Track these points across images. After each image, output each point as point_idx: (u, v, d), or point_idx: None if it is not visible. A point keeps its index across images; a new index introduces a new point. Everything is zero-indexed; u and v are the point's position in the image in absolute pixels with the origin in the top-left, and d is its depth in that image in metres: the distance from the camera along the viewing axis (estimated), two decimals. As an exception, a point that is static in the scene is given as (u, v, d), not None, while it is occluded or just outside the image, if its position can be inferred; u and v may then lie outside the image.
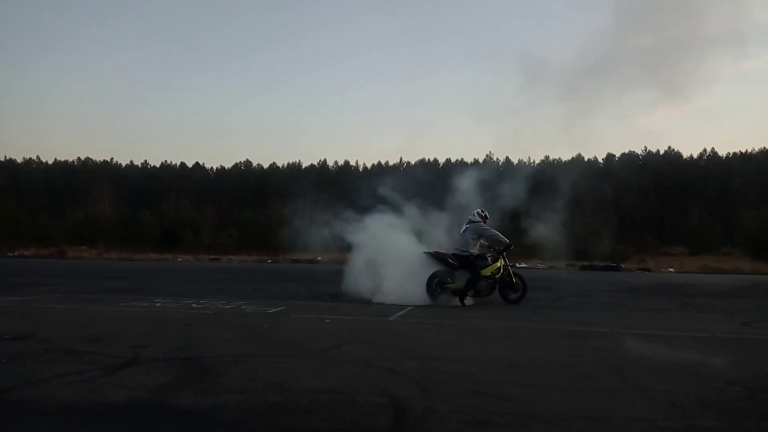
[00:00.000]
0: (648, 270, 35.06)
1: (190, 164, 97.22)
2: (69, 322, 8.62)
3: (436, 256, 11.65)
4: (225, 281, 18.35)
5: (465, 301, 11.36)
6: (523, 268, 16.58)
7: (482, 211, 12.08)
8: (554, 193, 14.93)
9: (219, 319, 8.98)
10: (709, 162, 78.90)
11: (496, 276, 11.61)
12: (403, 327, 8.48)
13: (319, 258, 41.07)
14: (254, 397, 4.30)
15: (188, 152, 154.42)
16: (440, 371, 5.34)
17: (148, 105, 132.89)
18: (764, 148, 76.48)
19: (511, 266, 11.99)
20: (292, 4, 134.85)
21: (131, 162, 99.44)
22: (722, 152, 79.46)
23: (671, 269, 35.45)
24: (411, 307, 10.66)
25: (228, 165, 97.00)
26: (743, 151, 78.13)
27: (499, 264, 11.67)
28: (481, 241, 11.81)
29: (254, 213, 61.43)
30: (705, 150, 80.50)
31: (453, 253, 11.66)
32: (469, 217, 12.05)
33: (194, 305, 10.70)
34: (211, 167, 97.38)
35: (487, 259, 11.71)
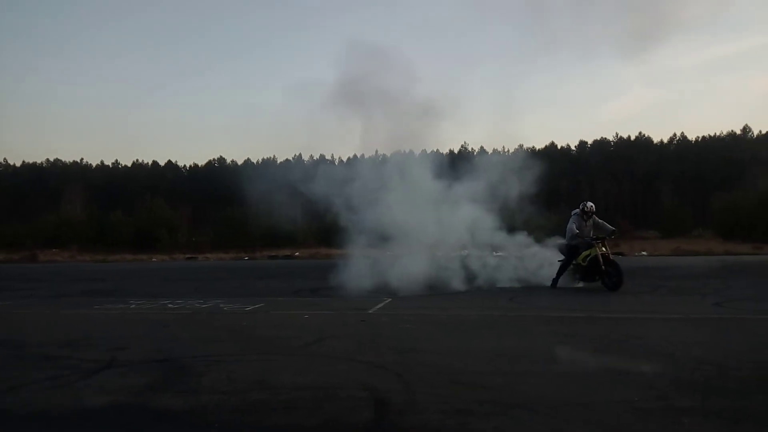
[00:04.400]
0: (622, 254, 35.57)
1: (162, 162, 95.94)
2: (43, 326, 8.46)
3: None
4: (202, 280, 18.16)
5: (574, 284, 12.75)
6: (500, 256, 16.73)
7: (584, 205, 12.85)
8: (531, 181, 15.07)
9: (197, 318, 8.89)
10: (680, 146, 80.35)
11: (583, 263, 12.29)
12: (383, 320, 8.50)
13: (297, 254, 40.95)
14: (235, 396, 4.27)
15: (160, 150, 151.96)
16: (420, 363, 5.37)
17: (118, 104, 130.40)
18: (732, 131, 78.28)
19: (603, 254, 12.20)
20: (275, 4, 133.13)
21: (102, 162, 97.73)
22: (692, 136, 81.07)
23: (644, 252, 36.05)
24: (390, 299, 10.69)
25: (201, 162, 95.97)
26: (712, 134, 79.78)
27: (589, 252, 12.20)
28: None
29: (231, 210, 60.88)
30: (675, 135, 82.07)
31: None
32: None
33: (171, 305, 10.58)
34: (184, 165, 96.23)
35: (578, 248, 12.48)
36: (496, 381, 4.64)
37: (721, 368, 4.90)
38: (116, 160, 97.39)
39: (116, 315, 9.49)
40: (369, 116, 15.78)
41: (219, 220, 59.67)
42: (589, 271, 12.21)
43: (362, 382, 4.63)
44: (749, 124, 79.48)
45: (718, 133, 79.72)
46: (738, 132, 78.41)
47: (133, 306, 10.65)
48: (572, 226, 12.69)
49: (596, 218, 12.77)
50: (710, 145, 77.39)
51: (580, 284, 12.59)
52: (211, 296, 12.10)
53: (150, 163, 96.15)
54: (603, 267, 11.87)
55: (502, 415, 3.74)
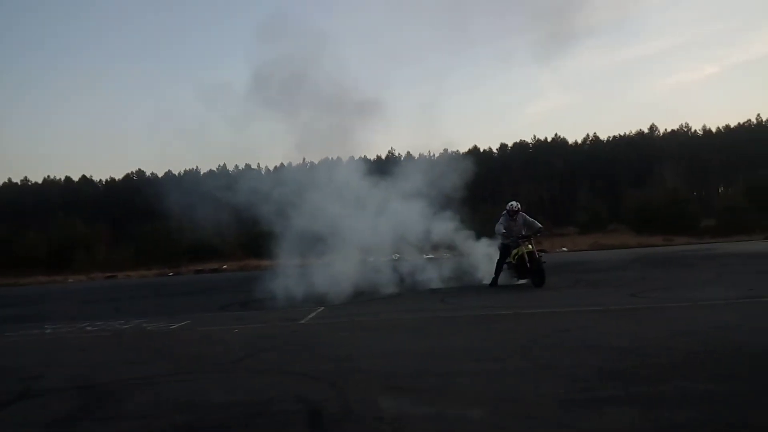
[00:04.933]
0: (544, 251, 36.91)
1: (76, 178, 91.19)
2: (-55, 360, 7.80)
3: None
4: (123, 299, 17.32)
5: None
6: (430, 258, 16.99)
7: (509, 205, 13.20)
8: (458, 184, 15.37)
9: (118, 340, 8.46)
10: (592, 146, 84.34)
11: (513, 261, 12.71)
12: (316, 329, 8.41)
13: (225, 267, 39.92)
14: (161, 420, 4.08)
15: (73, 165, 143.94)
16: (354, 370, 5.34)
17: (23, 117, 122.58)
18: (641, 130, 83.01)
19: (530, 252, 12.42)
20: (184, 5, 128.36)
21: (9, 180, 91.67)
22: (604, 136, 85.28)
23: (564, 249, 37.55)
24: (322, 308, 10.59)
25: (118, 176, 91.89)
26: (623, 134, 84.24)
27: (517, 250, 12.51)
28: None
29: (153, 225, 58.58)
30: (588, 135, 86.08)
31: None
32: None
33: (89, 328, 10.02)
34: (100, 179, 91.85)
35: (510, 247, 12.84)
36: (432, 382, 4.68)
37: (640, 356, 5.16)
38: (25, 177, 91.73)
39: (30, 342, 8.90)
40: (292, 112, 15.48)
41: (140, 236, 57.30)
42: (519, 268, 12.59)
43: (296, 394, 4.55)
44: (656, 123, 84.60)
45: (627, 133, 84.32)
46: (646, 131, 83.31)
47: (48, 331, 10.01)
48: (499, 226, 13.05)
49: (526, 216, 13.16)
50: (621, 144, 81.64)
51: (522, 281, 12.81)
52: (133, 316, 11.54)
53: (63, 179, 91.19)
54: (528, 265, 12.27)
55: (437, 417, 3.77)
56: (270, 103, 15.32)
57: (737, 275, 12.77)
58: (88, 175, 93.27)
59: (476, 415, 3.76)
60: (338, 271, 13.40)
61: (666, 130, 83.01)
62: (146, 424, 4.00)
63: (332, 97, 15.28)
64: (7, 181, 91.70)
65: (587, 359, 5.16)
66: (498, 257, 13.26)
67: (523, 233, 12.74)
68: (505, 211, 13.21)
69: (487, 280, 13.35)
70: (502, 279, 13.12)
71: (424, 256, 16.79)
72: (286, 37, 15.39)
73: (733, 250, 23.57)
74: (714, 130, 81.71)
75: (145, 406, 4.47)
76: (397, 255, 16.67)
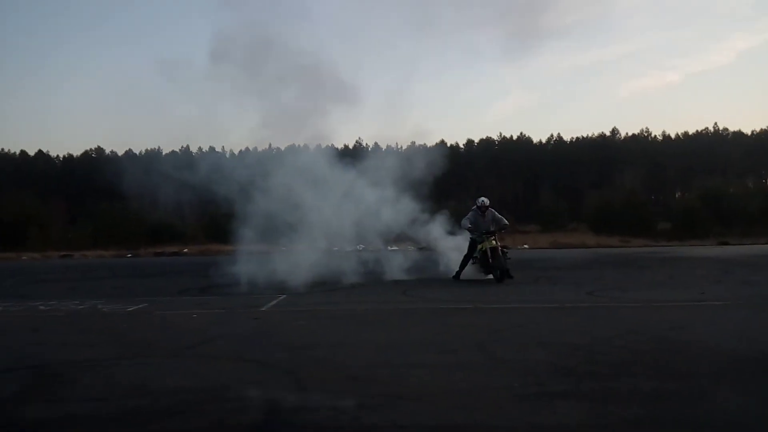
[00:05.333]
0: (507, 248, 37.41)
1: (31, 152, 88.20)
2: None
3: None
4: (78, 280, 16.89)
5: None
6: (394, 250, 17.07)
7: (478, 201, 13.36)
8: (424, 177, 15.43)
9: (71, 321, 8.26)
10: (556, 146, 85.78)
11: (478, 257, 12.91)
12: (275, 317, 8.36)
13: (186, 250, 39.27)
14: (112, 403, 4.01)
15: (29, 139, 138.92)
16: (313, 359, 5.33)
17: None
18: (603, 133, 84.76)
19: (493, 248, 12.55)
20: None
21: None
22: (567, 137, 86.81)
23: (526, 246, 38.20)
24: (284, 296, 10.53)
25: (77, 153, 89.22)
26: (585, 135, 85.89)
27: (482, 246, 12.66)
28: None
29: (111, 204, 57.11)
30: (552, 135, 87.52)
31: None
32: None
33: (42, 307, 9.74)
34: (57, 155, 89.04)
35: (476, 242, 12.95)
36: (387, 374, 4.71)
37: (592, 353, 5.29)
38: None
39: (-24, 320, 8.60)
40: (257, 85, 15.11)
41: (98, 215, 55.83)
42: (483, 263, 12.76)
43: (252, 381, 4.52)
44: (617, 127, 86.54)
45: (590, 135, 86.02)
46: (608, 134, 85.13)
47: (-4, 309, 9.70)
48: (464, 221, 13.25)
49: (494, 212, 13.32)
50: (584, 145, 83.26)
51: (489, 276, 12.83)
52: (88, 297, 11.26)
53: (18, 153, 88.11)
54: (490, 260, 12.43)
55: (391, 408, 3.80)
56: (233, 74, 14.99)
57: (690, 278, 13.20)
58: (44, 150, 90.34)
59: (428, 407, 3.80)
60: (301, 260, 13.33)
61: (627, 134, 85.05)
62: (97, 407, 3.92)
63: (300, 69, 14.94)
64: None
65: (541, 355, 5.27)
66: (467, 251, 13.40)
67: (491, 229, 12.89)
68: (474, 207, 13.35)
69: (452, 274, 13.49)
70: (469, 273, 13.25)
71: (389, 248, 16.83)
72: (249, 4, 14.98)
73: (688, 253, 24.36)
74: (673, 136, 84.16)
75: (96, 389, 4.38)
76: (362, 246, 16.69)
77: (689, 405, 3.79)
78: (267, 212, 13.38)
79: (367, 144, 66.35)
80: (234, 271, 12.82)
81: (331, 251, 14.50)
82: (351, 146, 66.33)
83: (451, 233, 15.14)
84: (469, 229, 13.06)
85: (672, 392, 4.07)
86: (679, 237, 40.99)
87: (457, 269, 13.32)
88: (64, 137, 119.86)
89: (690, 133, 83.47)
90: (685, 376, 4.49)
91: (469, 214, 13.36)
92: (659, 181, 77.50)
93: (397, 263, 14.42)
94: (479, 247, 12.82)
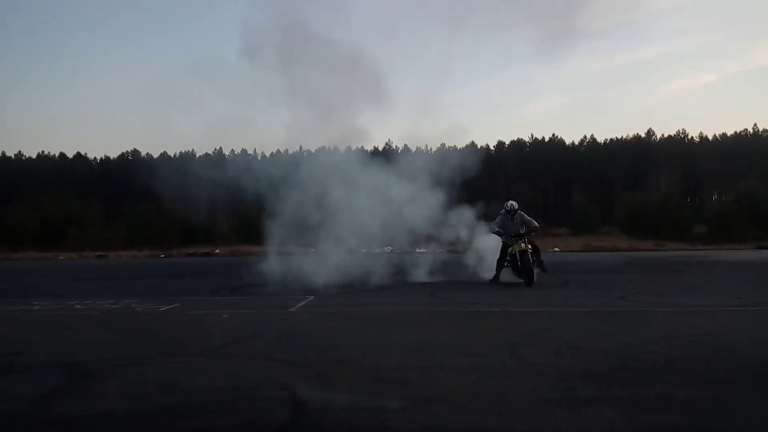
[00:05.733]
0: (534, 246, 36.88)
1: (70, 155, 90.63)
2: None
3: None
4: (113, 279, 17.29)
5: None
6: (422, 253, 17.04)
7: (506, 204, 13.27)
8: (451, 180, 15.37)
9: (106, 320, 8.46)
10: (589, 148, 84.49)
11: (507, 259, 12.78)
12: (304, 318, 8.42)
13: (218, 251, 39.82)
14: (145, 401, 4.10)
15: (68, 142, 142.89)
16: (340, 360, 5.36)
17: (20, 91, 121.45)
18: (638, 134, 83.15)
19: (522, 251, 12.42)
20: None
21: (3, 153, 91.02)
22: (601, 139, 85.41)
23: (556, 249, 37.71)
24: (312, 297, 10.60)
25: (113, 155, 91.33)
26: (620, 137, 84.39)
27: (512, 249, 12.56)
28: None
29: (146, 206, 58.35)
30: (585, 137, 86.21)
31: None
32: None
33: (78, 306, 10.00)
34: (95, 157, 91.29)
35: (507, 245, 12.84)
36: (415, 375, 4.71)
37: (624, 358, 5.20)
38: (19, 151, 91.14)
39: (16, 317, 8.88)
40: (290, 77, 15.12)
41: (134, 216, 57.09)
42: (514, 267, 12.62)
43: (280, 381, 4.56)
44: (653, 128, 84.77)
45: (624, 136, 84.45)
46: (643, 135, 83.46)
47: (36, 307, 9.99)
48: (492, 225, 13.19)
49: (523, 215, 13.16)
50: (618, 147, 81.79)
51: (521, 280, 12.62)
52: (122, 296, 11.53)
53: (57, 155, 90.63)
54: (519, 264, 12.31)
55: (419, 409, 3.80)
56: (265, 73, 15.05)
57: (726, 283, 12.85)
58: (83, 152, 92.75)
59: (456, 410, 3.78)
60: (330, 261, 13.41)
61: (663, 135, 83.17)
62: (129, 405, 4.01)
63: (332, 68, 14.94)
64: (0, 154, 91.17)
65: (571, 359, 5.20)
66: (499, 255, 13.26)
67: (521, 232, 12.75)
68: (503, 210, 13.25)
69: (484, 276, 13.40)
70: (505, 277, 13.10)
71: (417, 250, 16.81)
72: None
73: (724, 258, 23.71)
74: (711, 137, 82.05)
75: (129, 387, 4.48)
76: (390, 247, 16.68)
77: (723, 414, 3.70)
78: (297, 214, 13.50)
79: (396, 146, 66.42)
80: (263, 272, 12.95)
81: (359, 253, 14.54)
82: (381, 148, 66.49)
83: (482, 235, 15.01)
84: (497, 233, 12.97)
85: (706, 400, 3.97)
86: (715, 241, 39.93)
87: (495, 273, 13.18)
88: (101, 140, 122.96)
89: (728, 134, 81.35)
90: (720, 384, 4.38)
91: (498, 218, 13.27)
92: (695, 183, 75.70)
93: (424, 265, 14.38)
94: (509, 250, 12.71)
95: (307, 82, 15.13)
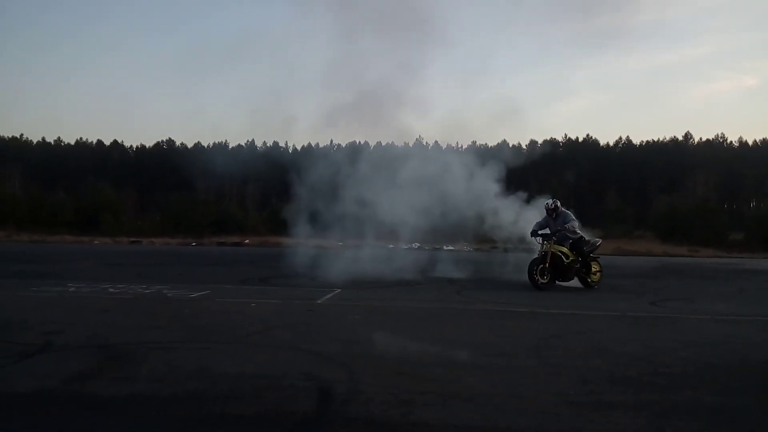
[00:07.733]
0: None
1: (107, 142, 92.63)
2: (-28, 309, 8.07)
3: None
4: (146, 265, 17.68)
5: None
6: (450, 250, 17.00)
7: (546, 203, 12.74)
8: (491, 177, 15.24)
9: (138, 304, 8.67)
10: (624, 149, 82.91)
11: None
12: (330, 310, 8.49)
13: (247, 241, 40.33)
14: (174, 385, 4.19)
15: (106, 129, 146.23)
16: (366, 353, 5.39)
17: (61, 78, 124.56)
18: (675, 137, 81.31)
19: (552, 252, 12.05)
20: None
21: (43, 139, 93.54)
22: (636, 140, 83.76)
23: (588, 252, 37.15)
24: (339, 290, 10.68)
25: (149, 144, 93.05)
26: (656, 139, 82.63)
27: (540, 248, 12.21)
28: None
29: (179, 194, 59.39)
30: (621, 138, 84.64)
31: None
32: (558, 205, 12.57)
33: (111, 290, 10.26)
34: (131, 146, 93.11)
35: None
36: (439, 372, 4.71)
37: (653, 364, 5.11)
38: (59, 138, 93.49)
39: (53, 298, 9.15)
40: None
41: (166, 204, 58.16)
42: (540, 263, 12.04)
43: (306, 371, 4.61)
44: (690, 131, 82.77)
45: (661, 139, 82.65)
46: (680, 138, 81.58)
47: (71, 289, 10.28)
48: (535, 225, 12.72)
49: (568, 214, 12.62)
50: (653, 149, 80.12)
51: (564, 284, 12.32)
52: (154, 282, 11.79)
53: (95, 142, 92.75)
54: (546, 264, 12.06)
55: (442, 406, 3.80)
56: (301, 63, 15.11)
57: (762, 292, 12.53)
58: (119, 140, 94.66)
59: (478, 408, 3.77)
60: (357, 256, 13.49)
61: (701, 138, 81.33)
62: (159, 388, 4.10)
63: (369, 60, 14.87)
64: (41, 140, 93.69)
65: (599, 363, 5.13)
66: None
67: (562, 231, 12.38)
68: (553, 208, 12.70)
69: (515, 276, 13.26)
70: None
71: (444, 247, 16.77)
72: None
73: (760, 266, 23.06)
74: (750, 142, 79.77)
75: (158, 371, 4.58)
76: (417, 244, 16.69)
77: (753, 422, 3.62)
78: (327, 208, 13.59)
79: (427, 142, 66.25)
80: (292, 264, 13.09)
81: (387, 248, 14.58)
82: (411, 144, 66.35)
83: (517, 235, 14.73)
84: (534, 233, 12.53)
85: (736, 408, 3.89)
86: (752, 249, 38.82)
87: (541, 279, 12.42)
88: (137, 128, 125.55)
89: (769, 139, 78.90)
90: (749, 393, 4.28)
91: (541, 219, 12.83)
92: (733, 188, 73.65)
93: (453, 263, 14.35)
94: (540, 248, 12.34)
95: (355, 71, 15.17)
